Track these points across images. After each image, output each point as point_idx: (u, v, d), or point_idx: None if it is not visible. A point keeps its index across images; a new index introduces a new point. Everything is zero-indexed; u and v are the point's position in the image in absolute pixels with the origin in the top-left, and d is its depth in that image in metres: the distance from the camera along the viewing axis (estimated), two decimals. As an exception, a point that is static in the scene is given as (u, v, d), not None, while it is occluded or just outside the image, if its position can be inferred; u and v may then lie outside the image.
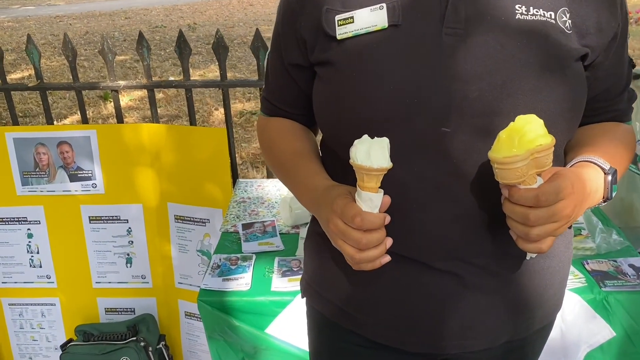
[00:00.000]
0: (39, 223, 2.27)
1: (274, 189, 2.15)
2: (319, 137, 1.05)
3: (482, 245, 0.89)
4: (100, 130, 2.17)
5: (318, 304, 1.07)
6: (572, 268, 1.52)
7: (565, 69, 0.84)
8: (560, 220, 0.76)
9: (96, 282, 2.34)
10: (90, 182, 2.21)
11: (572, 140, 0.95)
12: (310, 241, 1.08)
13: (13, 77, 6.74)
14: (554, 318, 1.07)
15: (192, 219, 2.20)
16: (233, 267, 1.63)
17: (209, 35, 8.82)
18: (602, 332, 1.48)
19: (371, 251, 0.81)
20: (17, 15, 12.47)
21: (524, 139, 0.73)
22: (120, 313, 2.37)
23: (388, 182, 0.80)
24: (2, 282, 2.36)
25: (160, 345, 2.24)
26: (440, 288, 0.91)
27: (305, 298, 1.12)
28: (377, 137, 0.80)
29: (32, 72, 2.29)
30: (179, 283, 2.29)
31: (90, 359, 2.15)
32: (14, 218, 2.27)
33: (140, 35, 2.21)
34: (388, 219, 0.80)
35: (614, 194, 0.86)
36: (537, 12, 0.83)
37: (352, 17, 0.86)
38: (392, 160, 0.79)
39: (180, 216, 2.22)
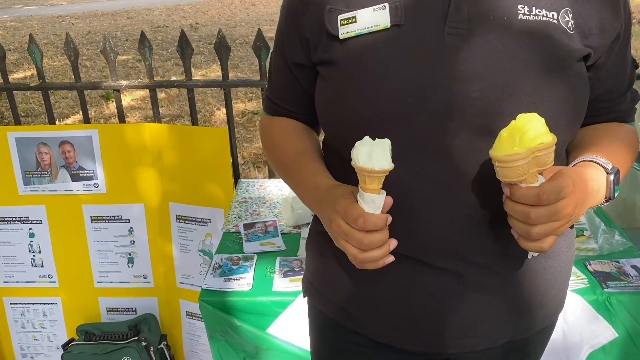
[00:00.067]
0: (41, 223, 2.27)
1: (276, 189, 2.15)
2: (322, 136, 1.05)
3: (483, 245, 0.89)
4: (102, 130, 2.17)
5: (319, 303, 1.07)
6: (574, 269, 1.52)
7: (567, 69, 0.84)
8: (561, 219, 0.76)
9: (98, 282, 2.34)
10: (92, 182, 2.21)
11: (574, 140, 0.95)
12: (312, 240, 1.08)
13: (15, 76, 6.75)
14: (556, 319, 1.07)
15: (193, 219, 2.20)
16: (234, 267, 1.63)
17: (211, 35, 8.83)
18: (605, 333, 1.47)
19: (374, 252, 0.81)
20: (20, 15, 12.49)
21: (525, 137, 0.74)
22: (121, 313, 2.37)
23: (389, 182, 0.81)
24: (4, 282, 2.36)
25: (162, 345, 2.24)
26: (441, 287, 0.91)
27: (306, 297, 1.12)
28: (379, 136, 0.80)
29: (35, 71, 2.29)
30: (180, 283, 2.29)
31: (92, 358, 2.16)
32: (15, 218, 2.27)
33: (142, 35, 2.21)
34: (390, 219, 0.80)
35: (616, 194, 0.86)
36: (539, 12, 0.83)
37: (354, 17, 0.86)
38: (393, 160, 0.79)
39: (181, 216, 2.22)
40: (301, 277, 1.20)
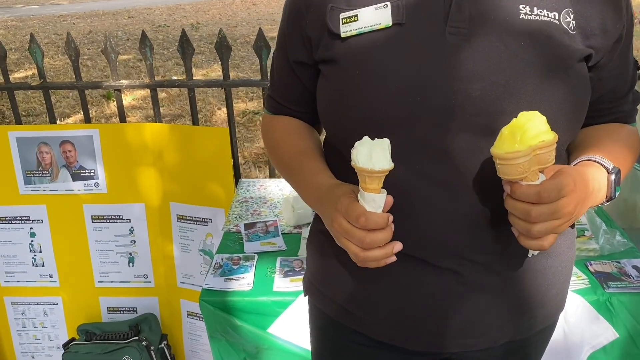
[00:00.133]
0: (42, 222, 2.27)
1: (277, 189, 2.15)
2: (323, 135, 1.05)
3: (483, 244, 0.89)
4: (103, 130, 2.17)
5: (320, 302, 1.07)
6: (575, 269, 1.52)
7: (568, 69, 0.84)
8: (562, 217, 0.76)
9: (98, 282, 2.34)
10: (92, 182, 2.21)
11: (576, 140, 0.95)
12: (313, 240, 1.09)
13: (16, 76, 6.75)
14: (557, 319, 1.07)
15: (194, 219, 2.20)
16: (235, 267, 1.63)
17: (212, 35, 8.83)
18: (605, 333, 1.47)
19: (376, 251, 0.81)
20: (21, 14, 12.49)
21: (526, 135, 0.74)
22: (122, 312, 2.37)
23: (389, 181, 0.81)
24: (5, 281, 2.36)
25: (162, 345, 2.24)
26: (441, 287, 0.91)
27: (307, 297, 1.12)
28: (379, 135, 0.80)
29: (36, 71, 2.29)
30: (181, 282, 2.29)
31: (92, 358, 2.16)
32: (16, 217, 2.27)
33: (143, 34, 2.21)
34: (391, 219, 0.81)
35: (617, 194, 0.86)
36: (541, 12, 0.83)
37: (356, 16, 0.86)
38: (394, 159, 0.79)
39: (182, 216, 2.22)
40: (302, 277, 1.20)
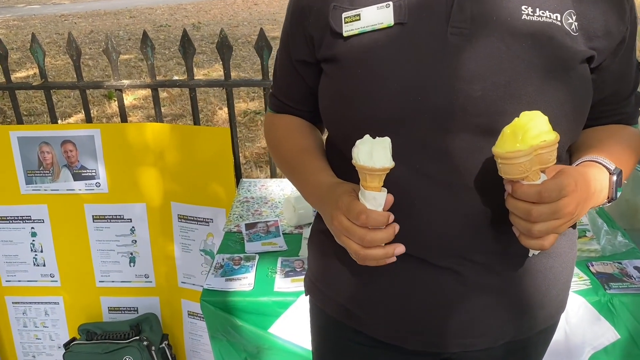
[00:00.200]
0: (43, 222, 2.27)
1: (278, 189, 2.15)
2: (326, 134, 1.06)
3: (483, 244, 0.89)
4: (104, 130, 2.17)
5: (321, 302, 1.07)
6: (576, 270, 1.51)
7: (569, 71, 0.84)
8: (562, 217, 0.77)
9: (99, 281, 2.34)
10: (94, 181, 2.21)
11: (578, 141, 0.95)
12: (314, 239, 1.09)
13: (18, 75, 6.76)
14: (558, 319, 1.07)
15: (195, 219, 2.20)
16: (236, 267, 1.63)
17: (214, 35, 8.83)
18: (607, 334, 1.47)
19: (376, 250, 0.81)
20: (23, 14, 12.51)
21: (528, 134, 0.74)
22: (123, 312, 2.38)
23: (390, 180, 0.81)
24: (6, 281, 2.36)
25: (163, 345, 2.24)
26: (441, 286, 0.92)
27: (308, 296, 1.13)
28: (381, 134, 0.80)
29: (37, 70, 2.29)
30: (182, 282, 2.29)
31: (93, 357, 2.16)
32: (17, 217, 2.28)
33: (145, 34, 2.21)
34: (392, 218, 0.81)
35: (618, 195, 0.86)
36: (543, 13, 0.83)
37: (358, 15, 0.87)
38: (394, 158, 0.80)
39: (183, 216, 2.22)
40: (302, 277, 1.20)
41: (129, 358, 2.13)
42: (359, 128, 0.84)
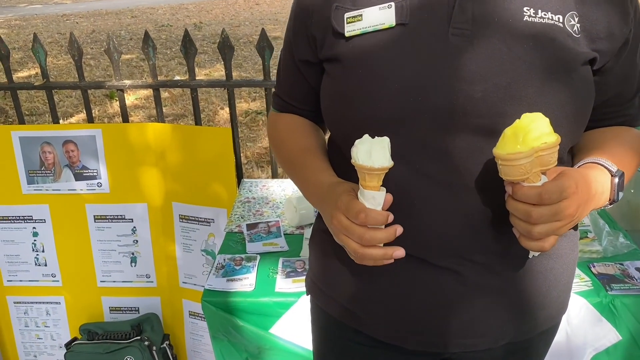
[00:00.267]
0: (44, 222, 2.28)
1: (279, 189, 2.15)
2: (329, 134, 1.06)
3: (483, 244, 0.89)
4: (106, 130, 2.17)
5: (322, 302, 1.07)
6: (578, 271, 1.51)
7: (571, 72, 0.84)
8: (563, 219, 0.76)
9: (101, 281, 2.35)
10: (95, 181, 2.22)
11: (581, 143, 0.95)
12: (316, 238, 1.09)
13: (20, 75, 6.76)
14: (559, 320, 1.06)
15: (196, 219, 2.20)
16: (237, 268, 1.63)
17: (215, 34, 8.83)
18: (608, 335, 1.47)
19: (374, 250, 0.82)
20: (25, 13, 12.52)
21: (529, 136, 0.74)
22: (124, 312, 2.38)
23: (390, 180, 0.82)
24: (8, 281, 2.37)
25: (164, 345, 2.24)
26: (441, 286, 0.92)
27: (309, 296, 1.13)
28: (381, 134, 0.81)
29: (39, 69, 2.29)
30: (183, 282, 2.29)
31: (95, 357, 2.16)
32: (19, 216, 2.28)
33: (146, 34, 2.21)
34: (391, 217, 0.81)
35: (620, 197, 0.86)
36: (545, 15, 0.83)
37: (360, 15, 0.87)
38: (395, 158, 0.80)
39: (184, 216, 2.22)
40: (304, 278, 1.21)
41: (130, 358, 2.13)
42: (359, 128, 0.84)
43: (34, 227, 2.29)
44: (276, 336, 1.53)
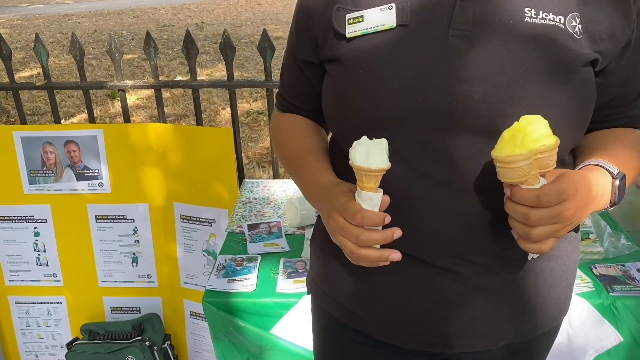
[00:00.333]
0: (46, 222, 2.28)
1: (280, 190, 2.15)
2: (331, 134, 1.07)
3: (483, 245, 0.89)
4: (107, 130, 2.17)
5: (323, 301, 1.08)
6: (579, 272, 1.51)
7: (572, 74, 0.84)
8: (561, 221, 0.76)
9: (102, 281, 2.35)
10: (96, 182, 2.22)
11: (583, 145, 0.95)
12: (316, 238, 1.10)
13: (22, 75, 6.77)
14: (560, 322, 1.06)
15: (198, 219, 2.21)
16: (238, 268, 1.63)
17: (217, 34, 8.84)
18: (610, 337, 1.47)
19: (370, 251, 0.82)
20: (27, 13, 12.54)
21: (527, 138, 0.74)
22: (125, 312, 2.38)
23: (390, 180, 0.82)
24: (9, 280, 2.37)
25: (166, 345, 2.24)
26: (441, 286, 0.92)
27: (310, 295, 1.13)
28: (381, 134, 0.81)
29: (41, 69, 2.30)
30: (184, 283, 2.29)
31: (96, 357, 2.16)
32: (21, 216, 2.28)
33: (148, 35, 2.21)
34: (388, 218, 0.81)
35: (621, 199, 0.85)
36: (546, 15, 0.82)
37: (361, 16, 0.87)
38: (395, 158, 0.81)
39: (186, 216, 2.22)
40: (305, 278, 1.21)
41: (132, 358, 2.14)
42: (359, 128, 0.85)
43: (35, 227, 2.30)
44: (277, 337, 1.53)
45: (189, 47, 2.16)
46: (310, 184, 0.98)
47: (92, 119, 2.37)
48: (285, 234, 1.82)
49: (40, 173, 2.22)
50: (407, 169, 0.86)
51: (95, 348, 2.17)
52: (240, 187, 2.20)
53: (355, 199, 0.82)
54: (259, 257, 1.69)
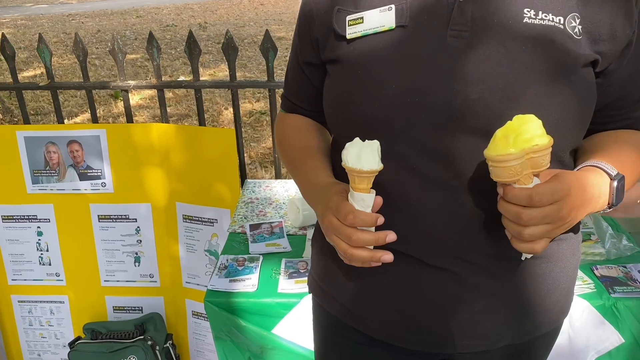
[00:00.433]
0: (49, 221, 2.29)
1: (282, 190, 2.15)
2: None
3: (480, 246, 0.89)
4: (110, 130, 2.18)
5: (324, 301, 1.08)
6: (580, 273, 1.51)
7: (571, 74, 0.83)
8: (554, 222, 0.76)
9: (105, 281, 2.36)
10: (99, 181, 2.22)
11: (584, 146, 0.94)
12: (317, 238, 1.10)
13: (26, 74, 6.79)
14: (560, 324, 1.06)
15: (200, 219, 2.21)
16: (240, 268, 1.63)
17: (220, 35, 8.85)
18: (611, 338, 1.46)
19: (363, 251, 0.83)
20: (30, 13, 12.57)
21: (520, 138, 0.74)
22: (128, 312, 2.39)
23: (389, 180, 0.83)
24: (12, 280, 2.38)
25: (167, 344, 2.25)
26: (438, 286, 0.92)
27: (311, 294, 1.14)
28: (379, 135, 0.82)
29: (44, 70, 2.30)
30: (186, 282, 2.30)
31: (98, 357, 2.17)
32: (24, 216, 2.29)
33: (151, 35, 2.22)
34: (381, 219, 0.82)
35: (619, 201, 0.85)
36: (545, 16, 0.82)
37: (362, 18, 0.88)
38: (393, 159, 0.82)
39: (188, 216, 2.23)
40: (306, 278, 1.21)
41: (134, 357, 2.14)
42: (358, 128, 0.86)
43: (38, 227, 2.30)
44: (279, 336, 1.54)
45: (192, 47, 2.17)
46: (308, 184, 0.99)
47: (95, 119, 2.38)
48: (287, 234, 1.82)
49: (43, 173, 2.23)
50: (405, 169, 0.86)
51: (98, 347, 2.18)
52: (242, 187, 2.20)
53: (348, 200, 0.83)
54: (261, 257, 1.69)
